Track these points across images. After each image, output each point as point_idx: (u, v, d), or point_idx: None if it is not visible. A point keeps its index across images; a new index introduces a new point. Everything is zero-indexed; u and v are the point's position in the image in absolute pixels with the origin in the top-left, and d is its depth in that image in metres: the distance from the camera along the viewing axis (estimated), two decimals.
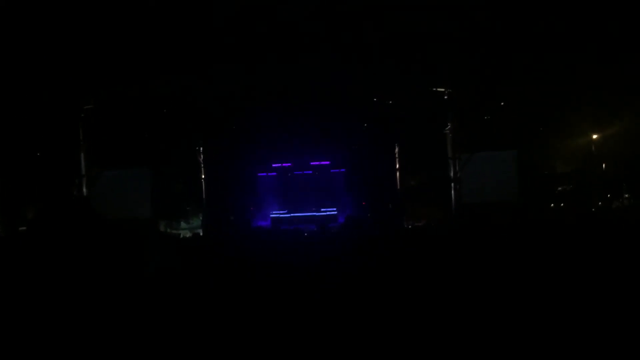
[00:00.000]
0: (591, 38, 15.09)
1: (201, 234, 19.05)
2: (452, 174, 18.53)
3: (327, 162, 23.09)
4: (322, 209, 22.79)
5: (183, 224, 21.69)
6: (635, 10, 13.88)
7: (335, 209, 22.75)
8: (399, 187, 21.02)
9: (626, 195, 20.08)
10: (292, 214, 22.75)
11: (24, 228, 15.94)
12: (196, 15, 14.34)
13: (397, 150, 21.09)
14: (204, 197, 20.87)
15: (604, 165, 19.99)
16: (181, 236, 18.11)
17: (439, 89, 18.01)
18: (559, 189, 20.94)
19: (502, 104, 18.43)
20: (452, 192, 18.49)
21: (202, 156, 20.92)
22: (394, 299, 5.11)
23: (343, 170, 23.42)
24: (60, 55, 15.18)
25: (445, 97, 18.11)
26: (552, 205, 20.53)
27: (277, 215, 22.70)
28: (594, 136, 19.52)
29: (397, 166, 21.09)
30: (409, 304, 4.98)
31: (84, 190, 18.36)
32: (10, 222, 17.48)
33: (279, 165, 23.38)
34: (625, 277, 5.51)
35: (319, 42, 15.17)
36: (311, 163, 23.14)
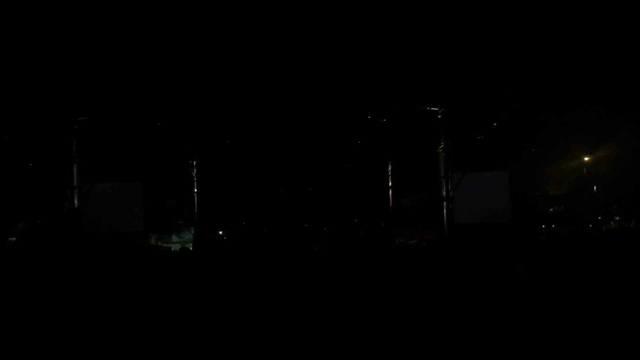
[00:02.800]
0: (583, 62, 15.27)
1: (191, 248, 18.96)
2: (444, 193, 18.57)
3: None
4: (314, 225, 22.68)
5: (174, 238, 21.56)
6: (629, 36, 14.07)
7: (327, 226, 22.64)
8: (391, 205, 21.02)
9: (617, 218, 20.17)
10: (283, 229, 22.62)
11: (14, 239, 15.84)
12: (192, 34, 14.44)
13: (389, 168, 21.12)
14: (195, 211, 20.79)
15: (594, 187, 20.09)
16: (172, 249, 18.05)
17: (432, 109, 18.11)
18: (550, 210, 20.99)
19: (494, 124, 18.53)
20: (444, 211, 18.51)
21: (195, 170, 20.88)
22: (381, 313, 5.11)
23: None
24: (54, 67, 15.21)
25: (439, 116, 18.21)
26: (544, 226, 20.57)
27: (269, 230, 22.58)
28: (586, 159, 19.64)
29: (390, 184, 21.11)
30: (396, 318, 4.99)
31: (76, 202, 18.27)
32: (1, 232, 17.33)
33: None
34: (618, 298, 5.54)
35: (312, 58, 15.25)
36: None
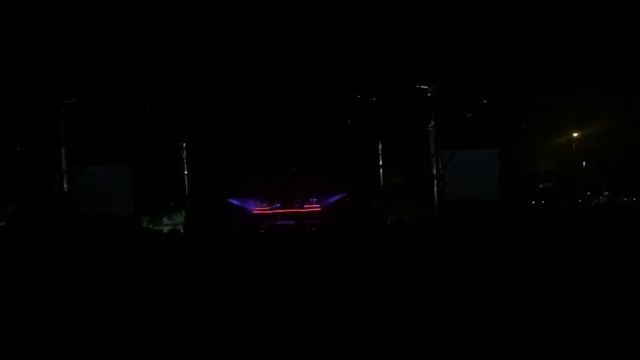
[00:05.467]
0: (572, 39, 15.27)
1: (182, 230, 18.96)
2: (434, 171, 18.64)
3: None
4: (305, 206, 22.79)
5: (165, 220, 21.56)
6: (615, 13, 14.07)
7: (318, 205, 22.76)
8: (382, 183, 21.09)
9: (605, 193, 20.36)
10: (275, 210, 22.72)
11: (3, 224, 15.75)
12: (180, 15, 14.28)
13: (380, 147, 21.14)
14: (186, 193, 20.79)
15: (584, 163, 20.23)
16: (163, 232, 18.04)
17: (422, 87, 18.07)
18: (540, 186, 21.15)
19: (484, 102, 18.55)
20: (435, 189, 18.60)
21: (185, 152, 20.83)
22: (376, 293, 5.15)
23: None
24: (41, 50, 15.02)
25: (429, 94, 18.18)
26: (533, 202, 20.74)
27: (260, 211, 22.67)
28: (575, 135, 19.74)
29: (380, 163, 21.15)
30: (391, 298, 5.03)
31: (65, 186, 18.16)
32: None
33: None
34: (608, 272, 5.61)
35: (301, 38, 15.16)
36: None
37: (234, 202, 22.69)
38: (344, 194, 22.86)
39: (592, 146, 19.44)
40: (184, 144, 20.79)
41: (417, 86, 18.00)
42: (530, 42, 15.43)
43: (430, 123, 18.69)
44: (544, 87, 17.27)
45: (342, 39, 15.36)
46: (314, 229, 17.97)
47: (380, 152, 21.13)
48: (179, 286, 6.16)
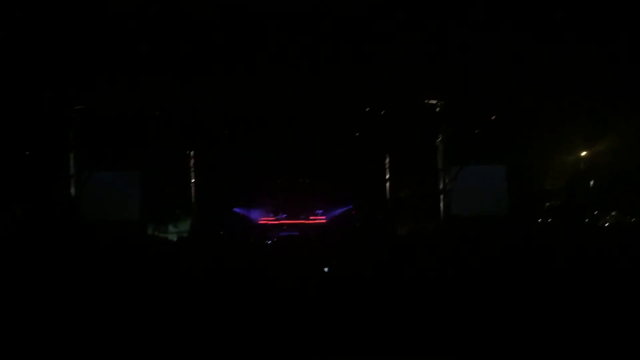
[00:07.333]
0: (582, 55, 15.26)
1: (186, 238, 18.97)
2: (441, 186, 18.61)
3: None
4: (311, 217, 22.79)
5: (171, 228, 21.59)
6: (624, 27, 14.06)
7: (324, 217, 22.76)
8: (388, 197, 21.05)
9: (613, 213, 20.21)
10: (280, 221, 22.73)
11: (10, 227, 15.81)
12: (190, 22, 14.39)
13: (387, 160, 21.13)
14: (193, 201, 20.83)
15: (591, 182, 20.12)
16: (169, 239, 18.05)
17: (431, 101, 18.09)
18: (547, 204, 21.02)
19: (492, 118, 18.53)
20: (442, 203, 18.56)
21: (193, 160, 20.90)
22: (380, 301, 5.13)
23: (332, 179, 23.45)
24: (52, 55, 15.15)
25: (437, 109, 18.19)
26: (540, 220, 20.61)
27: (266, 221, 22.69)
28: (583, 153, 19.66)
29: (387, 176, 21.13)
30: (394, 306, 5.01)
31: (72, 190, 18.25)
32: None
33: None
34: (615, 291, 5.56)
35: (312, 50, 15.23)
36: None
37: (240, 211, 22.72)
38: (350, 206, 22.85)
39: (600, 164, 19.33)
40: (192, 152, 20.87)
41: (426, 100, 18.02)
42: (540, 58, 15.44)
43: (438, 137, 18.69)
44: (552, 104, 17.24)
45: (350, 51, 15.43)
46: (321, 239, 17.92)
47: (387, 166, 21.11)
48: (182, 289, 6.16)
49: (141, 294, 6.24)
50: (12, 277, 6.98)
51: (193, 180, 20.88)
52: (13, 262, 8.11)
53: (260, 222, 22.73)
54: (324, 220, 22.58)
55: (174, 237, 18.75)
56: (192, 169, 20.89)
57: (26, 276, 7.04)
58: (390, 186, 21.10)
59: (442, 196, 18.57)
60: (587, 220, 19.98)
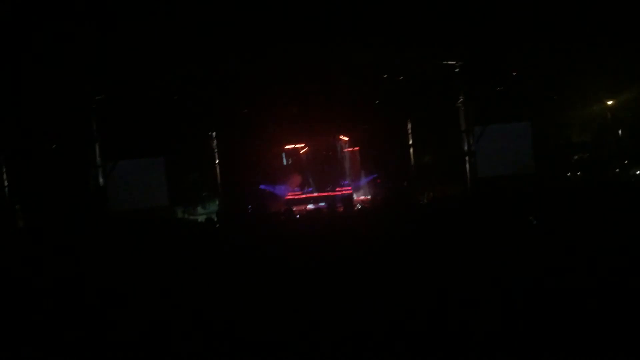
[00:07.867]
0: (603, 4, 14.83)
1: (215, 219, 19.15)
2: (465, 148, 18.43)
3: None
4: (337, 189, 22.84)
5: (200, 209, 21.88)
6: None
7: (350, 188, 22.78)
8: (412, 163, 20.93)
9: None
10: (307, 195, 22.83)
11: (43, 221, 16.10)
12: (207, 7, 14.30)
13: (409, 126, 20.96)
14: (218, 182, 21.00)
15: (620, 131, 19.73)
16: (198, 220, 18.29)
17: (449, 62, 17.81)
18: (575, 157, 20.70)
19: (514, 74, 18.19)
20: (467, 166, 18.40)
21: (215, 142, 21.01)
22: (409, 269, 5.14)
23: (357, 148, 23.45)
24: (70, 46, 15.21)
25: (456, 70, 17.92)
26: (569, 174, 20.33)
27: (293, 196, 22.79)
28: (609, 102, 19.25)
29: (410, 142, 20.98)
30: (424, 273, 5.02)
31: (100, 180, 18.54)
32: (29, 215, 17.67)
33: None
34: None
35: (328, 19, 15.03)
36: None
37: (266, 188, 22.85)
38: (375, 175, 22.82)
39: (627, 113, 18.92)
40: (214, 134, 20.97)
41: (443, 62, 17.74)
42: (559, 9, 15.03)
43: (459, 99, 18.45)
44: (574, 55, 16.84)
45: (366, 17, 15.20)
46: (359, 207, 17.90)
47: (409, 131, 20.95)
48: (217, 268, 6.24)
49: (179, 275, 6.32)
50: (50, 272, 7.12)
51: (217, 161, 21.00)
52: (50, 257, 8.25)
53: (288, 197, 22.84)
54: (350, 191, 22.60)
55: (203, 219, 18.96)
56: (216, 150, 21.00)
57: (65, 271, 7.16)
58: (413, 152, 20.95)
59: (467, 158, 18.40)
60: (617, 170, 19.65)
